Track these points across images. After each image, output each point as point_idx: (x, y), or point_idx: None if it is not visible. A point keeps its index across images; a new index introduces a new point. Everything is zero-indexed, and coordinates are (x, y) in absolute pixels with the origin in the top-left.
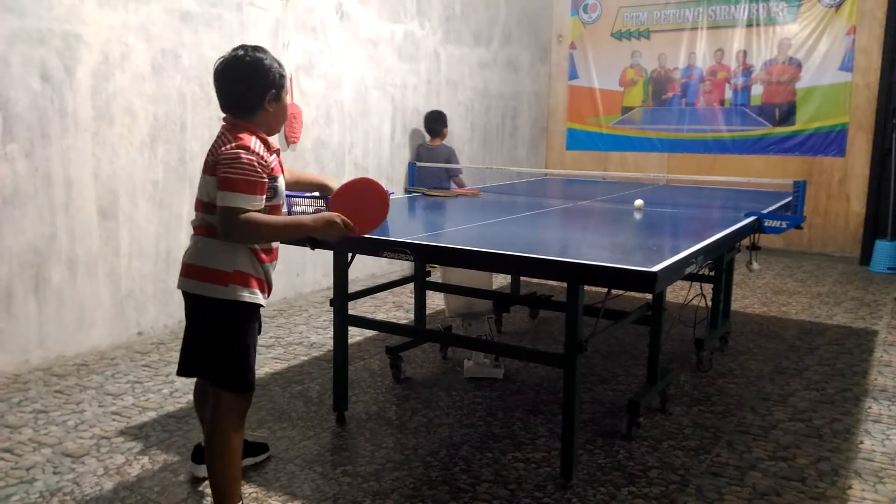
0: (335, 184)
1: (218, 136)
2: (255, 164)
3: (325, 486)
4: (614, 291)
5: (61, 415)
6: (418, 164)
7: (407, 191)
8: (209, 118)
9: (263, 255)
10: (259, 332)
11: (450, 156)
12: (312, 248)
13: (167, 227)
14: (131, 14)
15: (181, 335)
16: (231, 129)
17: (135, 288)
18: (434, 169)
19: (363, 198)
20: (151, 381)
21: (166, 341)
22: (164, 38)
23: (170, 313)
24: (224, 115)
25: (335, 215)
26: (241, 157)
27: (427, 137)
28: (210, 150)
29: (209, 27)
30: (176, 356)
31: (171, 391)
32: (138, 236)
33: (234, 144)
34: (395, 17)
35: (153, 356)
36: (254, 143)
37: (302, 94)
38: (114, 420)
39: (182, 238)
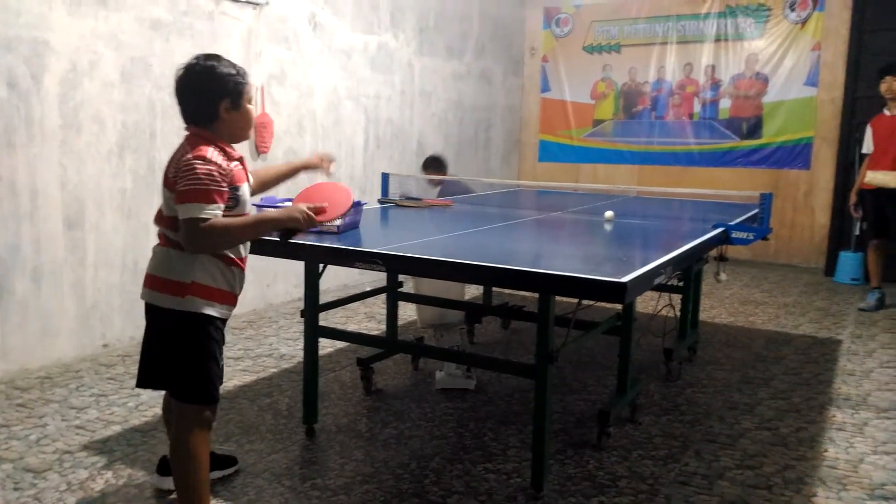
0: (311, 160)
1: (177, 149)
2: (214, 172)
3: (293, 501)
4: (585, 302)
5: (23, 429)
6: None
7: (379, 201)
8: (179, 127)
9: (237, 262)
10: (223, 343)
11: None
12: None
13: (135, 237)
14: (101, 22)
15: None
16: (190, 140)
17: (101, 299)
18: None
19: (324, 191)
20: (116, 395)
21: (132, 353)
22: (134, 46)
23: (136, 324)
24: (186, 127)
25: (301, 205)
26: (196, 168)
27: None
28: (169, 163)
29: (181, 36)
30: None
31: (136, 404)
32: (105, 246)
33: (190, 156)
34: (369, 29)
35: (119, 368)
36: (210, 152)
37: (273, 103)
38: (77, 434)
39: (149, 248)
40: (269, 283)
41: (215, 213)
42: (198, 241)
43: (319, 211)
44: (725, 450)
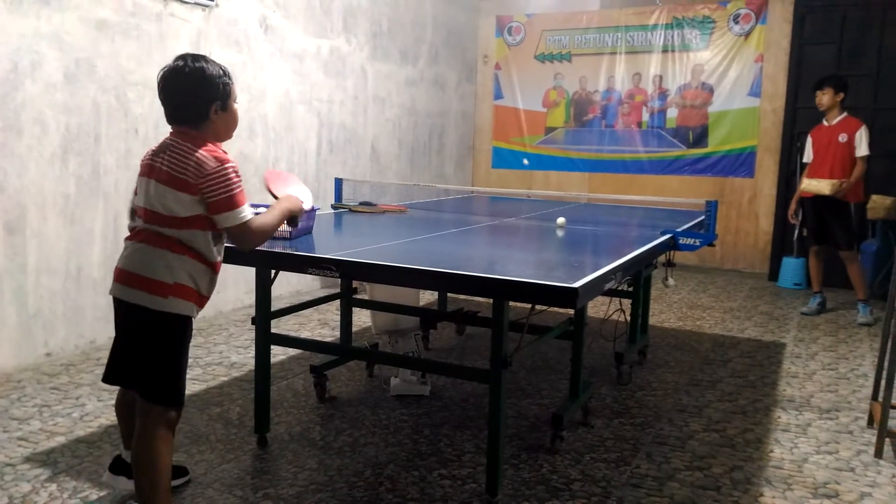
0: None
1: (178, 150)
2: (235, 174)
3: None
4: (538, 307)
5: None
6: None
7: (333, 206)
8: (125, 130)
9: (216, 266)
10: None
11: None
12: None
13: (78, 243)
14: (43, 21)
15: (92, 356)
16: (190, 141)
17: (43, 307)
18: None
19: (281, 181)
20: (60, 405)
21: (76, 363)
22: (78, 47)
23: (80, 333)
24: (172, 126)
25: (291, 195)
26: (228, 174)
27: None
28: (175, 165)
29: (127, 37)
30: (87, 378)
31: (81, 415)
32: (47, 252)
33: (216, 163)
34: (321, 33)
35: (62, 378)
36: (223, 155)
37: None
38: (20, 446)
39: (94, 254)
40: (219, 289)
41: (249, 212)
42: (251, 242)
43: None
44: (675, 452)
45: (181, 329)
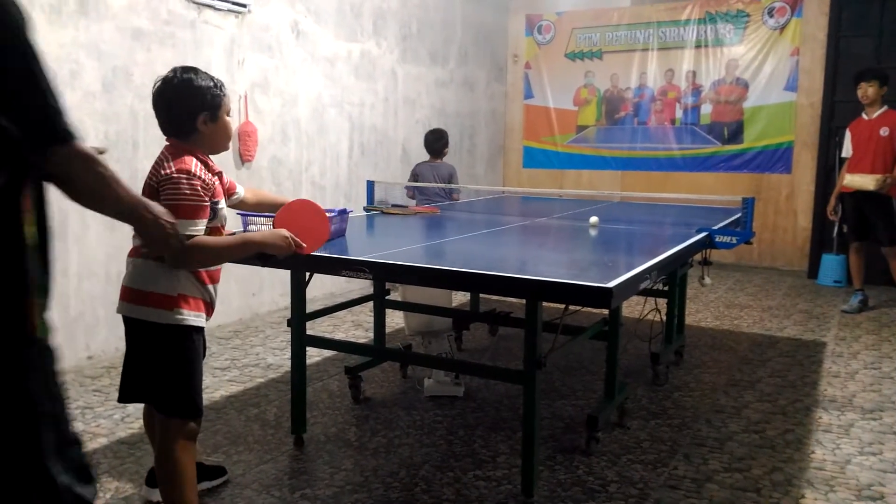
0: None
1: (157, 159)
2: (198, 187)
3: None
4: (572, 307)
5: None
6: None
7: (366, 209)
8: (162, 137)
9: (206, 277)
10: (203, 356)
11: (452, 173)
12: (263, 265)
13: (118, 248)
14: (81, 31)
15: None
16: (171, 152)
17: (85, 310)
18: (434, 186)
19: (304, 217)
20: (102, 407)
21: (117, 365)
22: (115, 56)
23: (121, 336)
24: (165, 137)
25: (284, 231)
26: (182, 182)
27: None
28: (150, 173)
29: (162, 45)
30: None
31: (122, 416)
32: (88, 257)
33: (174, 169)
34: (352, 37)
35: (104, 380)
36: (194, 165)
37: (257, 111)
38: None
39: None
40: (255, 292)
41: (199, 229)
42: (181, 258)
43: (299, 246)
44: (713, 453)
45: (190, 340)
